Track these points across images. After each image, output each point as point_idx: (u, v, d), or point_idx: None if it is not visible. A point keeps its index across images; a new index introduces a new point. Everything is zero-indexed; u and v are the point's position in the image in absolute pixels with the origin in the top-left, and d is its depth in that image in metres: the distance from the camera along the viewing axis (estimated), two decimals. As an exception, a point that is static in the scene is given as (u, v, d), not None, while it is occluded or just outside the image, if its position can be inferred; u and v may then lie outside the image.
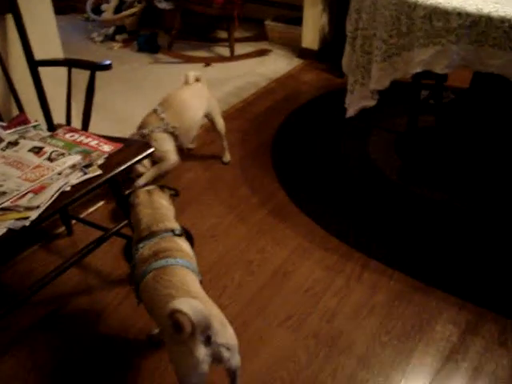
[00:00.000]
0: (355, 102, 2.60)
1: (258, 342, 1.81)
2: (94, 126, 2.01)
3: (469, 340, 1.81)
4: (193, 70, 2.74)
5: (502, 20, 1.87)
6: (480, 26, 1.95)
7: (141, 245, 1.53)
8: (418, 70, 2.14)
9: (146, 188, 1.71)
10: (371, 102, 2.51)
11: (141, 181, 2.39)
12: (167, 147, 2.44)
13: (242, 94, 3.62)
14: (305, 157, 2.89)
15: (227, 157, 2.84)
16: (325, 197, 2.55)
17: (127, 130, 2.49)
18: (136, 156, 1.77)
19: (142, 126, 2.45)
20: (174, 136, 2.46)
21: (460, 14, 1.97)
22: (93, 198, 2.42)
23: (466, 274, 2.08)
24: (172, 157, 2.47)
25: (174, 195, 1.79)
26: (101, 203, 2.50)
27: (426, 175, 2.69)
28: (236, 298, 1.99)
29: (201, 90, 2.65)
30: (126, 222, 1.96)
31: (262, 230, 2.34)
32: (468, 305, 1.94)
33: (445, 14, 2.00)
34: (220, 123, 2.75)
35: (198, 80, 2.68)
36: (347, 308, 1.94)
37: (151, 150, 1.81)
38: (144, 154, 1.79)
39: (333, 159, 2.85)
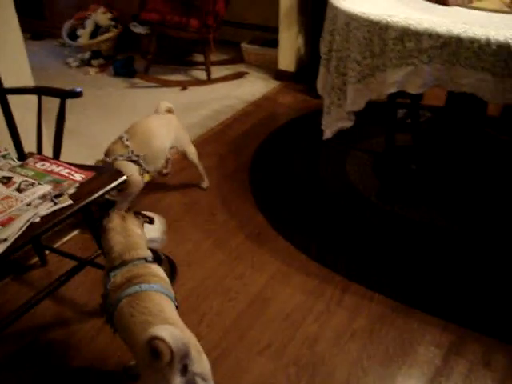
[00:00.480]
0: (332, 124, 2.60)
1: (237, 371, 1.76)
2: (67, 153, 1.97)
3: (453, 361, 1.78)
4: (166, 101, 2.73)
5: (471, 41, 1.89)
6: (451, 47, 1.96)
7: (112, 273, 1.49)
8: (392, 90, 2.15)
9: (121, 213, 1.67)
10: (348, 123, 2.51)
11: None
12: (129, 172, 2.37)
13: (219, 117, 3.61)
14: (283, 179, 2.88)
15: (206, 183, 2.81)
16: (303, 220, 2.53)
17: (101, 156, 2.45)
18: (108, 184, 1.73)
19: (107, 154, 2.42)
20: (138, 164, 2.43)
21: (431, 35, 1.98)
22: (67, 227, 2.37)
23: (448, 295, 2.06)
24: (136, 178, 2.42)
25: (149, 223, 1.75)
26: (75, 232, 2.44)
27: (404, 195, 2.69)
28: (215, 326, 1.94)
29: (169, 120, 2.63)
30: (100, 252, 1.91)
31: (240, 256, 2.31)
32: (450, 325, 1.92)
33: (416, 35, 2.01)
34: (191, 153, 2.70)
35: (170, 111, 2.68)
36: (328, 333, 1.90)
37: (123, 178, 1.78)
38: (116, 182, 1.75)
39: (311, 181, 2.84)
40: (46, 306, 2.03)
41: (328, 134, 2.64)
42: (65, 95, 1.81)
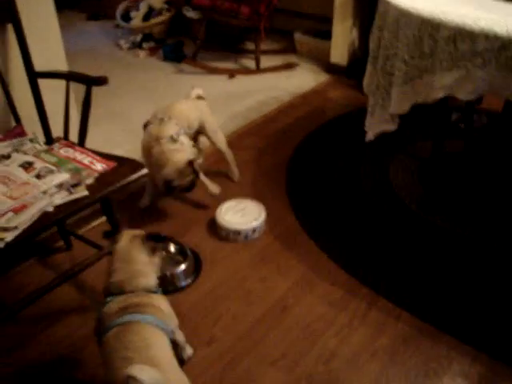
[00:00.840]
0: (375, 126, 2.45)
1: (246, 381, 1.68)
2: (106, 135, 1.93)
3: (480, 397, 1.64)
4: (198, 88, 2.72)
5: (535, 45, 1.70)
6: (510, 50, 1.78)
7: (108, 298, 1.44)
8: (440, 95, 1.98)
9: (134, 233, 1.57)
10: (391, 127, 2.34)
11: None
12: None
13: (263, 109, 3.51)
14: (321, 180, 2.75)
15: (235, 174, 2.73)
16: (337, 225, 2.41)
17: (139, 142, 2.41)
18: (127, 177, 1.68)
19: (160, 136, 2.29)
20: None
21: (488, 37, 1.80)
22: (94, 212, 2.35)
23: (484, 322, 1.89)
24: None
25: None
26: (103, 218, 2.41)
27: (449, 206, 2.51)
28: (229, 331, 1.87)
29: (197, 105, 2.60)
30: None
31: (266, 257, 2.22)
32: (482, 356, 1.76)
33: (471, 35, 1.83)
34: (219, 140, 2.64)
35: (200, 97, 2.66)
36: (347, 350, 1.79)
37: (144, 171, 1.73)
38: (136, 175, 1.70)
39: (350, 184, 2.70)
40: (65, 291, 2.03)
41: (370, 135, 2.49)
42: (90, 82, 1.77)
